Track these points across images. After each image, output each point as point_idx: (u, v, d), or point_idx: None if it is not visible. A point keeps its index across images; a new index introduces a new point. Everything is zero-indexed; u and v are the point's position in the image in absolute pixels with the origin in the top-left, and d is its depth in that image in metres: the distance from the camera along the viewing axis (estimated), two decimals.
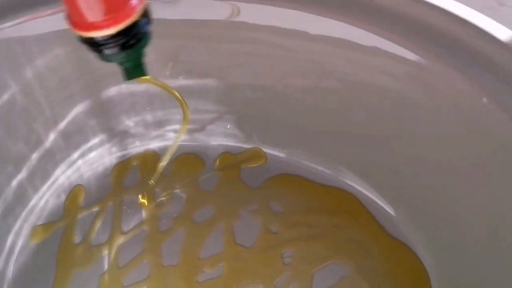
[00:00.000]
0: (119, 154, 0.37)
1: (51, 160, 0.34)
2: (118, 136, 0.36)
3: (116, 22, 0.21)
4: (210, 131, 0.36)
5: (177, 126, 0.36)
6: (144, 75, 0.24)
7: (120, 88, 0.33)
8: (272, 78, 0.32)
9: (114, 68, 0.24)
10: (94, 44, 0.22)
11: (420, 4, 0.25)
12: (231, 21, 0.29)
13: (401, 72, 0.28)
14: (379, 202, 0.33)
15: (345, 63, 0.29)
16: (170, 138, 0.37)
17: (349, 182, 0.34)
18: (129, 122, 0.35)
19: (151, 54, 0.24)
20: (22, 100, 0.30)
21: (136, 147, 0.37)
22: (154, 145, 0.37)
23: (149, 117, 0.35)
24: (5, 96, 0.29)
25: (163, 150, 0.37)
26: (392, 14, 0.26)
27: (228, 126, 0.36)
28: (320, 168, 0.35)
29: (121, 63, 0.24)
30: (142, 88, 0.34)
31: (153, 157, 0.37)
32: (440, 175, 0.29)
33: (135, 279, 0.31)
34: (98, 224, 0.34)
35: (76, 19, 0.21)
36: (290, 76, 0.32)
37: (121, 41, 0.22)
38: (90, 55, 0.22)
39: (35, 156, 0.33)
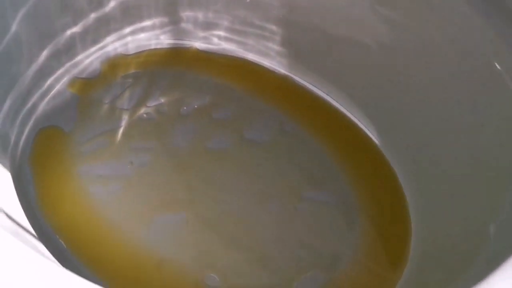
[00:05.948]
0: (165, 43, 0.39)
1: (105, 26, 0.37)
2: (169, 26, 0.39)
3: None
4: None
5: (221, 33, 0.39)
6: None
7: None
8: None
9: None
10: None
11: None
12: None
13: None
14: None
15: None
16: (214, 43, 0.39)
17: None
18: (182, 15, 0.38)
19: None
20: None
21: (182, 41, 0.40)
22: (198, 44, 0.40)
23: (200, 15, 0.38)
24: None
25: (206, 51, 0.39)
26: None
27: None
28: None
29: None
30: None
31: (196, 54, 0.39)
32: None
33: (142, 146, 0.34)
34: (127, 93, 0.37)
35: None
36: None
37: None
38: None
39: (93, 16, 0.36)
